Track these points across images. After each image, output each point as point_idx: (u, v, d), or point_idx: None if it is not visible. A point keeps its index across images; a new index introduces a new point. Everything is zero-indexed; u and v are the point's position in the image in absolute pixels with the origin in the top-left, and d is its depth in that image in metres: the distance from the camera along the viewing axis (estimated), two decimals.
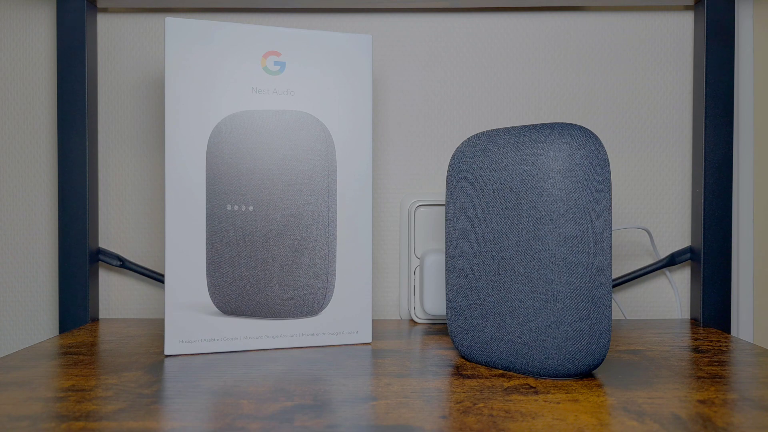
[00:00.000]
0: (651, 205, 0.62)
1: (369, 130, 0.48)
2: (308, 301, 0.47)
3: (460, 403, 0.33)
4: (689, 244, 0.62)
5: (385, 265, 0.62)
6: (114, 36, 0.62)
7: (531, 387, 0.36)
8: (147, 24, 0.62)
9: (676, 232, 0.62)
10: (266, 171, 0.45)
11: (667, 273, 0.62)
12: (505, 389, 0.36)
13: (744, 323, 0.63)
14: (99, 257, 0.60)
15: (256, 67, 0.45)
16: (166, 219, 0.44)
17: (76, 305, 0.57)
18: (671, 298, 0.63)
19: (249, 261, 0.46)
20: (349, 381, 0.38)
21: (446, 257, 0.43)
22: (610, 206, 0.38)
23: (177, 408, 0.32)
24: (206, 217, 0.45)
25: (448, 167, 0.43)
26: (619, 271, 0.63)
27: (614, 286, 0.62)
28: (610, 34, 0.62)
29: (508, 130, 0.40)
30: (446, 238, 0.43)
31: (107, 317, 0.62)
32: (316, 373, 0.39)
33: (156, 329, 0.54)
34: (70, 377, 0.39)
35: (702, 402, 0.33)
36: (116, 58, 0.62)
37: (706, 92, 0.57)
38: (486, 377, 0.38)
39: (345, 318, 0.48)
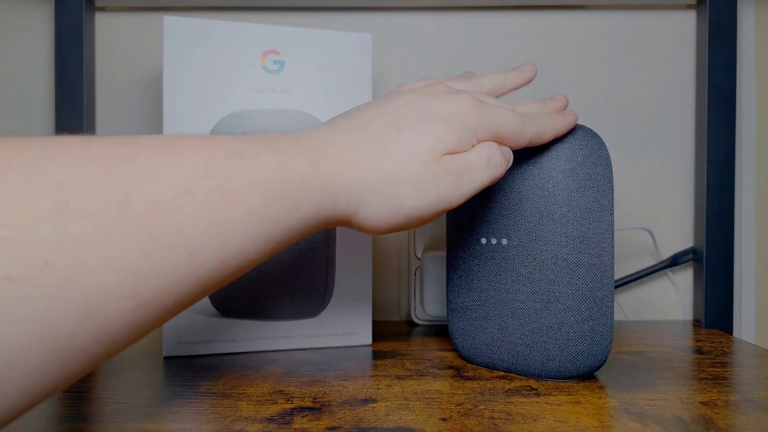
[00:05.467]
0: (653, 205, 0.62)
1: None
2: (308, 302, 0.46)
3: (460, 405, 0.33)
4: (692, 244, 0.62)
5: (385, 265, 0.62)
6: (112, 35, 0.61)
7: (532, 389, 0.36)
8: (145, 23, 0.61)
9: (679, 232, 0.62)
10: None
11: (670, 274, 0.62)
12: (507, 391, 0.36)
13: (746, 324, 0.62)
14: None
15: (255, 66, 0.45)
16: None
17: None
18: (673, 299, 0.62)
19: None
20: (349, 383, 0.37)
21: (447, 258, 0.43)
22: (612, 206, 0.37)
23: (175, 410, 0.32)
24: None
25: None
26: (621, 271, 0.62)
27: (616, 287, 0.61)
28: (612, 33, 0.62)
29: None
30: (446, 238, 0.43)
31: None
32: (316, 375, 0.39)
33: (155, 330, 0.54)
34: None
35: (704, 404, 0.33)
36: (114, 57, 0.61)
37: (708, 92, 0.57)
38: (487, 379, 0.38)
39: (345, 319, 0.48)
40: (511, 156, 0.34)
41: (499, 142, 0.33)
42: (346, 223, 0.30)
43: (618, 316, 0.62)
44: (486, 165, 0.32)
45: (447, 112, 0.31)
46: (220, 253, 0.24)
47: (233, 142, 0.26)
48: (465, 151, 0.31)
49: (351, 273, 0.48)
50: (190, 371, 0.40)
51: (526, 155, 0.37)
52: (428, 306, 0.56)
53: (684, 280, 0.62)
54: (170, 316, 0.24)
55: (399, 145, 0.30)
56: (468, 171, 0.31)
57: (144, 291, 0.22)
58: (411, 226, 0.31)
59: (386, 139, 0.30)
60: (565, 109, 0.38)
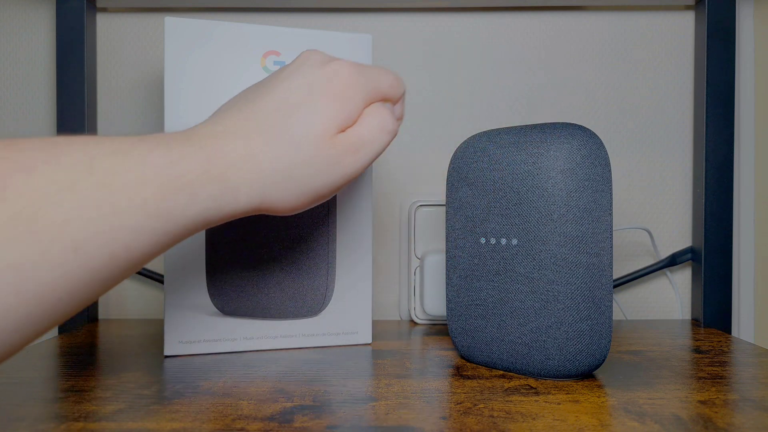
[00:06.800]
0: (652, 205, 0.62)
1: None
2: (308, 301, 0.47)
3: (460, 403, 0.33)
4: (690, 244, 0.62)
5: (385, 265, 0.62)
6: (113, 36, 0.61)
7: (531, 388, 0.36)
8: (146, 24, 0.61)
9: (677, 232, 0.62)
10: None
11: (668, 273, 0.62)
12: (506, 390, 0.36)
13: (745, 324, 0.62)
14: None
15: (256, 67, 0.45)
16: None
17: None
18: (672, 298, 0.62)
19: (249, 261, 0.45)
20: (349, 382, 0.38)
21: (446, 257, 0.43)
22: (611, 206, 0.38)
23: (176, 409, 0.32)
24: None
25: (449, 167, 0.43)
26: (619, 271, 0.63)
27: (615, 286, 0.62)
28: (611, 33, 0.62)
29: (508, 130, 0.39)
30: (446, 238, 0.43)
31: (106, 317, 0.62)
32: (316, 374, 0.39)
33: (155, 330, 0.54)
34: (70, 378, 0.39)
35: (703, 403, 0.33)
36: (116, 57, 0.61)
37: (706, 92, 0.57)
38: (486, 378, 0.38)
39: (345, 318, 0.48)
40: (402, 111, 0.36)
41: (384, 99, 0.34)
42: (256, 210, 0.31)
43: (617, 315, 0.62)
44: (379, 133, 0.33)
45: (329, 83, 0.32)
46: (108, 247, 0.24)
47: (121, 141, 0.26)
48: (355, 122, 0.32)
49: (351, 272, 0.48)
50: (191, 370, 0.40)
51: (525, 155, 0.38)
52: (428, 305, 0.57)
53: (682, 279, 0.62)
54: (65, 314, 0.24)
55: (292, 131, 0.30)
56: (363, 145, 0.32)
57: (27, 286, 0.22)
58: (321, 201, 0.33)
59: (279, 125, 0.30)
60: None
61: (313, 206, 0.33)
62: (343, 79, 0.32)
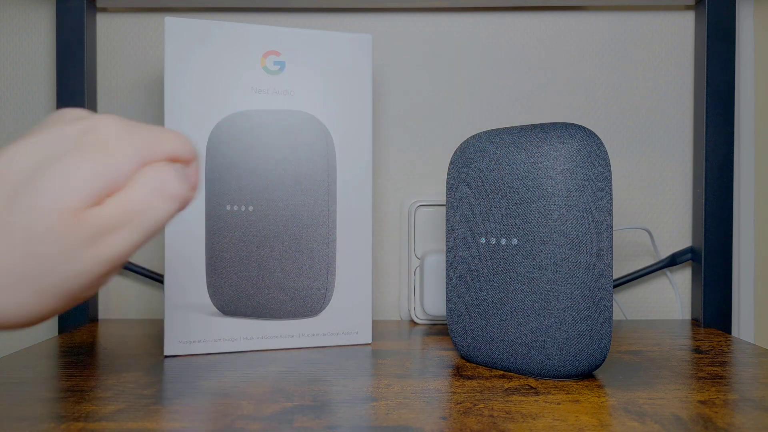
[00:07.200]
0: (652, 205, 0.62)
1: (369, 130, 0.48)
2: (308, 301, 0.47)
3: (460, 403, 0.33)
4: (690, 244, 0.62)
5: (385, 265, 0.62)
6: (113, 36, 0.61)
7: (531, 388, 0.36)
8: (146, 24, 0.61)
9: (677, 232, 0.62)
10: (266, 171, 0.45)
11: (668, 273, 0.62)
12: (506, 390, 0.36)
13: (745, 324, 0.62)
14: None
15: (256, 67, 0.45)
16: None
17: (75, 306, 0.57)
18: (672, 298, 0.62)
19: (249, 261, 0.45)
20: (349, 382, 0.38)
21: (446, 257, 0.43)
22: (611, 206, 0.38)
23: (176, 409, 0.32)
24: (206, 217, 0.45)
25: (449, 167, 0.43)
26: (619, 271, 0.63)
27: (615, 286, 0.62)
28: (611, 33, 0.62)
29: (508, 130, 0.39)
30: (446, 238, 0.43)
31: (107, 318, 0.62)
32: (316, 374, 0.39)
33: (155, 330, 0.54)
34: (70, 378, 0.39)
35: (703, 403, 0.33)
36: (116, 57, 0.61)
37: (706, 92, 0.57)
38: (486, 378, 0.38)
39: (345, 319, 0.48)
40: (197, 179, 0.26)
41: (171, 159, 0.25)
42: None
43: (617, 315, 0.62)
44: (155, 199, 0.23)
45: (84, 137, 0.23)
46: None
47: None
48: (122, 188, 0.23)
49: (351, 272, 0.48)
50: (191, 370, 0.40)
51: (525, 155, 0.38)
52: (428, 305, 0.57)
53: (682, 279, 0.62)
54: None
55: (18, 209, 0.21)
56: (131, 217, 0.23)
57: None
58: (80, 301, 0.24)
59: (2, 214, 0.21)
60: None
61: (66, 310, 0.24)
62: (105, 130, 0.23)
